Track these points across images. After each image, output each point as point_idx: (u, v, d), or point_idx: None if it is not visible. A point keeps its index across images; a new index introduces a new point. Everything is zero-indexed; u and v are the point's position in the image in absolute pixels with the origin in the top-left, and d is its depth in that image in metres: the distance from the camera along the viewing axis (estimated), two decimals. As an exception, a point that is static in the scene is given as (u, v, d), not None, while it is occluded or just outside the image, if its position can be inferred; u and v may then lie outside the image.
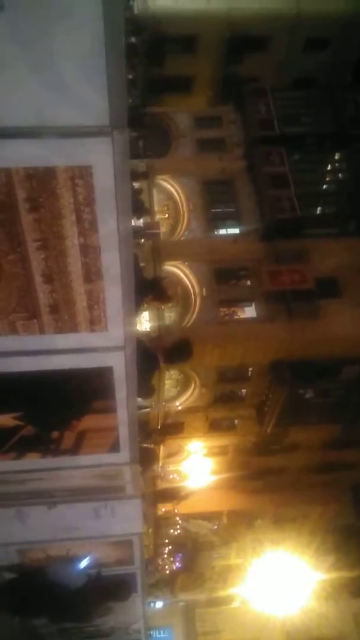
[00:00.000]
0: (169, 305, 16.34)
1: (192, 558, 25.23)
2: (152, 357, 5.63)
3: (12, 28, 1.97)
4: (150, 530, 20.07)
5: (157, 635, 26.49)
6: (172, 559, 24.12)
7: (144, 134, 18.88)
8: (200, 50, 22.60)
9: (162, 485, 19.43)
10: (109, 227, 2.59)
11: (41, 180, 2.38)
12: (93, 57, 2.05)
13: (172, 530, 23.21)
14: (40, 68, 2.06)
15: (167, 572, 24.05)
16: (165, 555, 23.80)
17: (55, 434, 4.01)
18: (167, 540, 23.38)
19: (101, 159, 2.32)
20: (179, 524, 22.06)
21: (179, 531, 23.31)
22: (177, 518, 21.53)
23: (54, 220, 2.54)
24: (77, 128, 2.20)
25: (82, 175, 2.38)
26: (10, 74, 2.05)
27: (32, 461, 4.17)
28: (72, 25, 1.98)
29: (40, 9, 1.95)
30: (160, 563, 23.50)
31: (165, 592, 24.65)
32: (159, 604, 25.07)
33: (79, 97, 2.13)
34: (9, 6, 1.92)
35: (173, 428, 19.55)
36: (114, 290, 2.89)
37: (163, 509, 20.65)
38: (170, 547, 23.81)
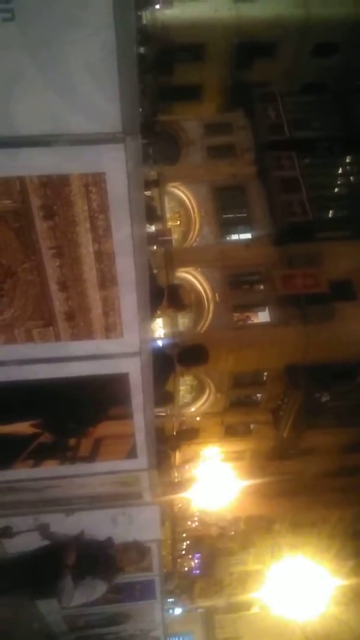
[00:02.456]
0: (184, 312, 16.36)
1: (211, 564, 25.13)
2: (167, 361, 5.63)
3: (23, 37, 1.99)
4: (166, 522, 19.97)
5: (178, 641, 26.41)
6: (190, 556, 23.98)
7: (155, 141, 18.96)
8: (209, 58, 22.70)
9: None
10: (123, 233, 2.61)
11: (55, 188, 2.40)
12: (105, 65, 2.07)
13: (189, 522, 23.02)
14: (52, 76, 2.08)
15: (186, 569, 23.92)
16: (183, 552, 23.66)
17: (72, 441, 4.02)
18: (184, 535, 23.20)
19: (114, 165, 2.34)
20: (196, 515, 21.86)
21: (196, 523, 23.11)
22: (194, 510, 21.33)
23: (69, 227, 2.56)
24: (90, 135, 2.22)
25: (95, 182, 2.40)
26: (22, 83, 2.08)
27: (50, 468, 4.18)
28: (83, 33, 2.01)
29: (52, 18, 1.98)
30: (179, 561, 23.38)
31: (184, 598, 24.55)
32: (177, 611, 25.00)
33: (92, 104, 2.15)
34: (20, 15, 1.94)
35: (188, 434, 19.52)
36: (129, 297, 2.90)
37: (179, 505, 20.53)
38: (188, 542, 23.65)
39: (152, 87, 21.05)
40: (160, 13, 20.74)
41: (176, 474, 16.87)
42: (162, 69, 21.69)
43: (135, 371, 3.39)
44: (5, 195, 2.42)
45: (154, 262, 16.22)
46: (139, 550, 5.25)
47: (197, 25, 21.20)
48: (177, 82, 22.86)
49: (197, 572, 25.12)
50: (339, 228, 19.22)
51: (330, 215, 20.10)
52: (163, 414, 17.88)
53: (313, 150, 19.99)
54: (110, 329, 3.06)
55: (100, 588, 4.92)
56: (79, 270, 2.74)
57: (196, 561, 24.77)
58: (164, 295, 5.31)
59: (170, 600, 22.55)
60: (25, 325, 2.99)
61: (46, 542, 5.20)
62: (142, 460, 4.21)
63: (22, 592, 5.16)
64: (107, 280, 2.80)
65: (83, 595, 4.79)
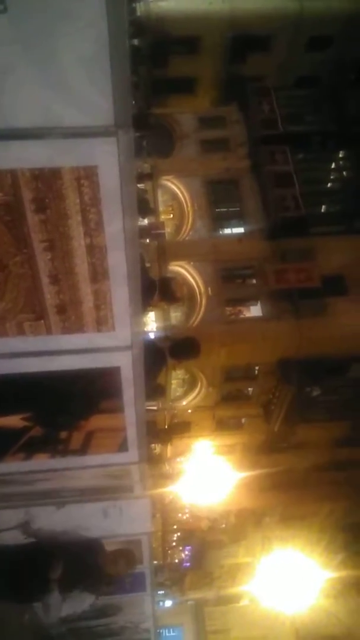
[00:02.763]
0: (176, 305, 16.36)
1: (201, 556, 25.23)
2: (159, 354, 5.63)
3: (15, 29, 1.98)
4: (157, 515, 20.03)
5: (167, 634, 26.56)
6: (180, 547, 24.04)
7: (148, 134, 18.91)
8: (203, 51, 22.64)
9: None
10: (115, 227, 2.60)
11: (47, 181, 2.39)
12: (97, 58, 2.06)
13: (180, 515, 23.10)
14: (44, 69, 2.07)
15: (176, 561, 23.98)
16: (174, 544, 23.71)
17: (63, 435, 4.02)
18: (175, 527, 23.25)
19: (106, 158, 2.33)
20: (187, 508, 21.94)
21: (187, 516, 23.19)
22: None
23: (60, 220, 2.55)
24: (82, 128, 2.21)
25: (87, 175, 2.39)
26: (15, 76, 2.07)
27: (41, 462, 4.18)
28: (76, 26, 2.00)
29: (44, 10, 1.96)
30: (169, 552, 23.44)
31: (174, 590, 24.66)
32: (168, 603, 25.12)
33: (84, 97, 2.14)
34: (12, 7, 1.93)
35: (180, 427, 19.58)
36: (120, 290, 2.90)
37: (170, 497, 20.64)
38: (178, 534, 23.71)
39: (146, 79, 20.97)
40: (155, 5, 20.62)
41: (167, 467, 16.93)
42: (156, 62, 21.62)
43: (126, 365, 3.39)
44: (-3, 187, 2.41)
45: (146, 255, 16.21)
46: (128, 559, 5.09)
47: (192, 17, 21.13)
48: (171, 75, 22.79)
49: (188, 564, 25.23)
50: (331, 223, 19.30)
51: (323, 210, 20.17)
52: (155, 407, 17.91)
53: (306, 145, 20.01)
54: (102, 323, 3.06)
55: (88, 600, 4.81)
56: (71, 264, 2.73)
57: (187, 553, 24.87)
58: (156, 288, 5.31)
59: (160, 592, 22.66)
60: (17, 318, 2.98)
61: (30, 540, 5.04)
62: (133, 453, 4.21)
63: (3, 602, 5.03)
64: (98, 273, 2.79)
65: (70, 608, 4.69)
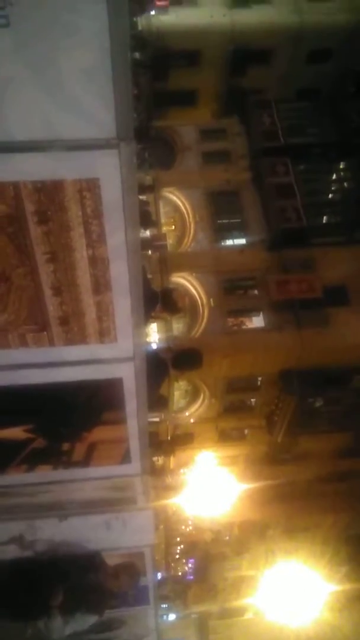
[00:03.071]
0: (178, 316, 16.37)
1: (205, 569, 25.05)
2: (162, 365, 5.62)
3: (18, 43, 2.00)
4: (161, 526, 19.92)
5: (172, 648, 26.32)
6: (184, 560, 23.86)
7: (150, 146, 19.02)
8: (204, 64, 22.78)
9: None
10: (117, 238, 2.61)
11: (49, 194, 2.41)
12: (99, 71, 2.08)
13: (183, 527, 22.97)
14: (46, 82, 2.09)
15: (179, 573, 23.77)
16: (177, 556, 23.53)
17: (66, 446, 4.01)
18: (178, 539, 23.08)
19: (108, 171, 2.35)
20: (190, 520, 21.83)
21: (190, 527, 23.06)
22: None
23: (63, 232, 2.56)
24: (85, 141, 2.23)
25: (89, 187, 2.40)
26: (17, 89, 2.09)
27: (44, 473, 4.17)
28: (78, 40, 2.02)
29: (47, 23, 1.99)
30: (173, 565, 23.26)
31: (178, 604, 24.47)
32: (171, 616, 24.91)
33: (86, 110, 2.16)
34: (15, 21, 1.95)
35: (183, 439, 19.50)
36: (122, 302, 2.91)
37: (174, 509, 20.55)
38: (182, 546, 23.53)
39: (147, 92, 21.11)
40: (156, 19, 20.80)
41: (170, 479, 16.86)
42: (157, 75, 21.75)
43: (129, 376, 3.39)
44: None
45: (148, 267, 16.24)
46: (130, 573, 4.98)
47: (193, 31, 21.29)
48: (172, 88, 22.92)
49: (191, 577, 25.06)
50: (333, 234, 19.30)
51: (324, 221, 20.19)
52: (157, 419, 17.85)
53: (307, 157, 20.08)
54: (104, 334, 3.07)
55: (91, 620, 4.70)
56: (73, 275, 2.74)
57: (190, 566, 24.70)
58: (158, 300, 5.31)
59: (164, 606, 22.49)
60: (19, 330, 2.99)
61: (28, 555, 4.90)
62: (135, 465, 4.20)
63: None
64: (101, 285, 2.80)
65: (73, 628, 4.60)
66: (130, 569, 5.00)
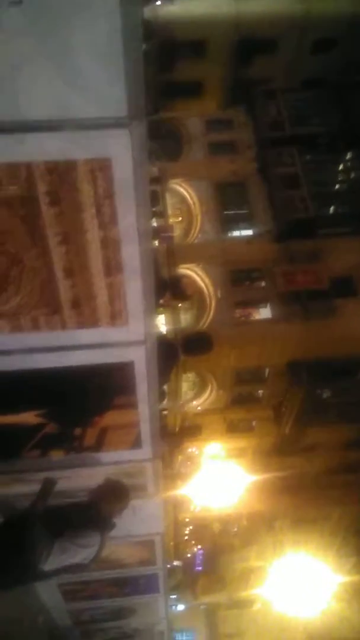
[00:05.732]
0: (187, 303, 16.36)
1: (213, 560, 25.14)
2: (172, 349, 5.62)
3: (30, 22, 2.00)
4: (168, 507, 19.91)
5: (180, 638, 26.49)
6: (192, 541, 23.83)
7: (156, 138, 18.96)
8: (210, 54, 22.72)
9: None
10: (128, 219, 2.61)
11: (61, 174, 2.41)
12: (110, 50, 2.08)
13: (192, 507, 22.93)
14: (58, 61, 2.09)
15: (188, 555, 23.73)
16: (186, 537, 23.49)
17: (78, 431, 4.03)
18: (187, 519, 23.02)
19: (120, 150, 2.35)
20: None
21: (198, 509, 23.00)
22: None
23: (75, 213, 2.56)
24: (96, 120, 2.22)
25: (101, 167, 2.40)
26: (29, 68, 2.09)
27: (56, 459, 4.19)
28: (89, 18, 2.01)
29: (58, 2, 1.99)
30: (181, 547, 23.23)
31: (187, 594, 24.59)
32: (180, 607, 25.04)
33: (98, 89, 2.16)
34: (27, 1, 1.95)
35: (191, 430, 19.55)
36: (134, 284, 2.91)
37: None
38: (191, 527, 23.50)
39: (153, 83, 21.05)
40: (162, 9, 20.73)
41: (179, 469, 16.92)
42: (163, 66, 21.69)
43: (140, 359, 3.40)
44: (12, 181, 2.42)
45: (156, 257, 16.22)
46: (116, 495, 4.20)
47: (198, 21, 21.22)
48: (178, 79, 22.88)
49: (200, 568, 25.17)
50: (340, 224, 19.24)
51: (331, 212, 20.13)
52: (165, 412, 17.89)
53: (314, 147, 19.99)
54: (116, 317, 3.07)
55: (92, 539, 3.95)
56: (85, 257, 2.74)
57: (199, 555, 24.77)
58: (167, 287, 5.31)
59: (173, 596, 22.59)
60: (32, 313, 2.99)
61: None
62: (146, 450, 4.22)
63: None
64: (112, 267, 2.80)
65: (73, 552, 3.83)
66: (116, 488, 4.23)
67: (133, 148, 2.35)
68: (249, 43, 22.17)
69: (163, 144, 19.45)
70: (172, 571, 21.11)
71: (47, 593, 7.10)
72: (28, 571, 3.85)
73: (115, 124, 2.26)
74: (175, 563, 21.80)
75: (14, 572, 3.86)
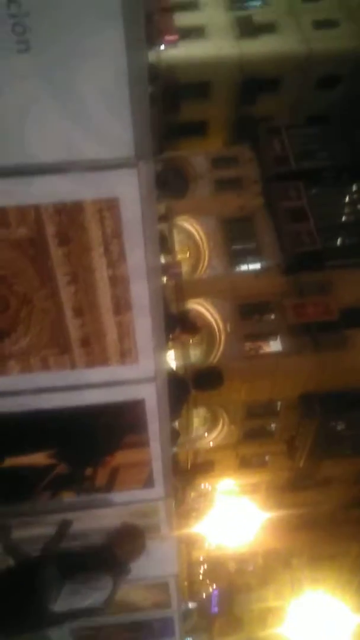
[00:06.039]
0: (197, 338, 16.32)
1: (229, 601, 24.54)
2: (183, 384, 5.58)
3: (38, 67, 2.04)
4: (182, 545, 19.48)
5: None
6: (207, 581, 23.28)
7: (162, 177, 19.21)
8: (214, 95, 23.17)
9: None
10: (137, 257, 2.62)
11: (70, 215, 2.43)
12: (117, 92, 2.11)
13: (206, 545, 22.45)
14: (66, 105, 2.13)
15: (204, 595, 23.18)
16: (201, 577, 22.97)
17: (88, 471, 3.98)
18: (201, 558, 22.53)
19: (127, 190, 2.37)
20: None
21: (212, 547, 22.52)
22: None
23: (83, 253, 2.57)
24: (104, 161, 2.25)
25: (109, 207, 2.42)
26: (37, 112, 2.12)
27: (67, 500, 4.13)
28: (96, 62, 2.05)
29: (65, 47, 2.03)
30: (196, 587, 22.68)
31: (203, 637, 23.92)
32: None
33: (105, 130, 2.19)
34: (35, 47, 2.00)
35: (203, 467, 19.29)
36: (143, 321, 2.90)
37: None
38: (205, 566, 22.98)
39: (159, 123, 21.44)
40: (166, 53, 21.24)
41: (192, 507, 16.64)
42: (168, 107, 22.13)
43: (151, 396, 3.37)
44: (21, 223, 2.44)
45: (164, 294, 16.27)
46: (131, 539, 4.11)
47: (202, 63, 21.72)
48: (183, 119, 23.31)
49: (216, 609, 24.54)
50: (347, 255, 19.28)
51: (338, 244, 20.19)
52: (176, 448, 17.71)
53: (319, 180, 20.19)
54: (125, 355, 3.06)
55: (105, 582, 3.81)
56: (94, 296, 2.75)
57: (215, 593, 24.15)
58: (176, 323, 5.31)
59: (189, 639, 21.99)
60: (41, 353, 2.99)
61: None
62: (158, 489, 4.16)
63: None
64: (121, 304, 2.80)
65: (85, 595, 3.72)
66: (130, 531, 4.13)
67: (140, 187, 2.37)
68: (253, 83, 22.60)
69: (169, 182, 19.69)
70: (187, 613, 20.61)
71: None
72: (39, 613, 3.75)
73: (123, 164, 2.28)
74: (190, 605, 21.28)
75: (26, 616, 3.79)
